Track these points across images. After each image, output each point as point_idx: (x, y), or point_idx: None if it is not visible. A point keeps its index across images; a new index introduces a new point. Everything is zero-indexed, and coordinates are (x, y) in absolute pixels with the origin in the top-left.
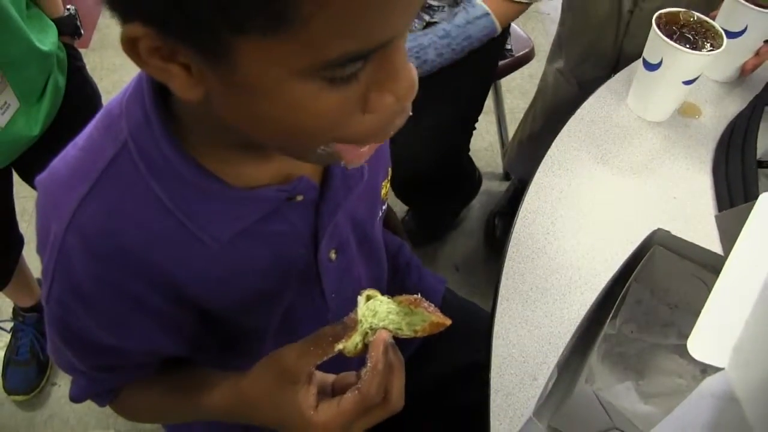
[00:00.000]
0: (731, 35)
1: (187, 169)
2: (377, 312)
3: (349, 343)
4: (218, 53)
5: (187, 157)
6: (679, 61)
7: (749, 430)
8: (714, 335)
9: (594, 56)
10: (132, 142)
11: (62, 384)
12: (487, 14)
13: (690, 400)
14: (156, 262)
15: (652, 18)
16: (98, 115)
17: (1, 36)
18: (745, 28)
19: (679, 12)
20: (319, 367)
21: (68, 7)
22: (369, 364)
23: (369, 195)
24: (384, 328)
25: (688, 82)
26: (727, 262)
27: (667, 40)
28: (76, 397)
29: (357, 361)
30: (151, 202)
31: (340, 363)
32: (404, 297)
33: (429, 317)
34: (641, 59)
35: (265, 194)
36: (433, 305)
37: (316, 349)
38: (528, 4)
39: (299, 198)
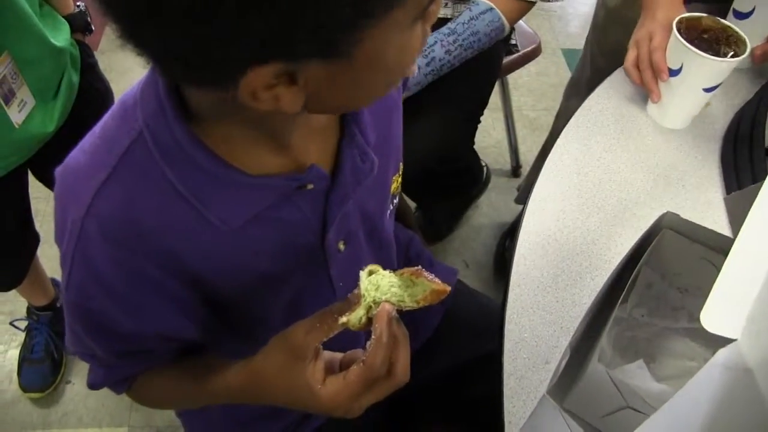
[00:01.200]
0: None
1: (200, 156)
2: (380, 286)
3: (353, 317)
4: (341, 52)
5: (200, 144)
6: (700, 68)
7: (762, 400)
8: (726, 307)
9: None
10: (147, 130)
11: (76, 382)
12: (491, 9)
13: (702, 372)
14: (171, 246)
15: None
16: (114, 106)
17: (19, 34)
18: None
19: (701, 17)
20: (330, 347)
21: (78, 3)
22: (373, 337)
23: (379, 188)
24: (387, 301)
25: (709, 89)
26: (737, 238)
27: (688, 45)
28: (93, 385)
29: (365, 340)
30: (166, 188)
31: (349, 342)
32: (405, 269)
33: (430, 286)
34: None
35: (277, 182)
36: (432, 275)
37: (322, 325)
38: (531, 4)
39: (309, 187)
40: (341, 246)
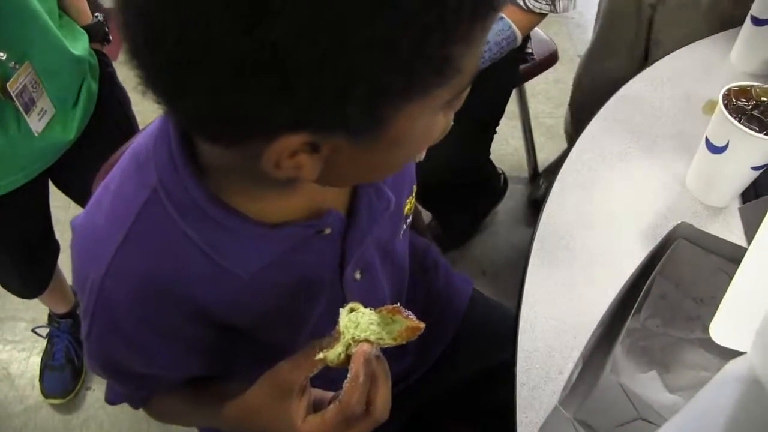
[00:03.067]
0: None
1: (214, 210)
2: (359, 323)
3: (331, 354)
4: (371, 128)
5: (214, 199)
6: (749, 146)
7: None
8: (736, 320)
9: (615, 51)
10: (161, 187)
11: (96, 388)
12: (501, 18)
13: (713, 384)
14: (191, 295)
15: (679, 16)
16: (126, 158)
17: (40, 45)
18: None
19: (751, 87)
20: (320, 384)
21: (96, 14)
22: (349, 376)
23: (393, 216)
24: (366, 339)
25: (757, 168)
26: (749, 249)
27: (734, 122)
28: (112, 402)
29: None
30: (183, 242)
31: (338, 377)
32: (384, 307)
33: (406, 323)
34: (704, 139)
35: (294, 230)
36: (409, 312)
37: (306, 361)
38: (544, 15)
39: (327, 231)
40: (357, 276)
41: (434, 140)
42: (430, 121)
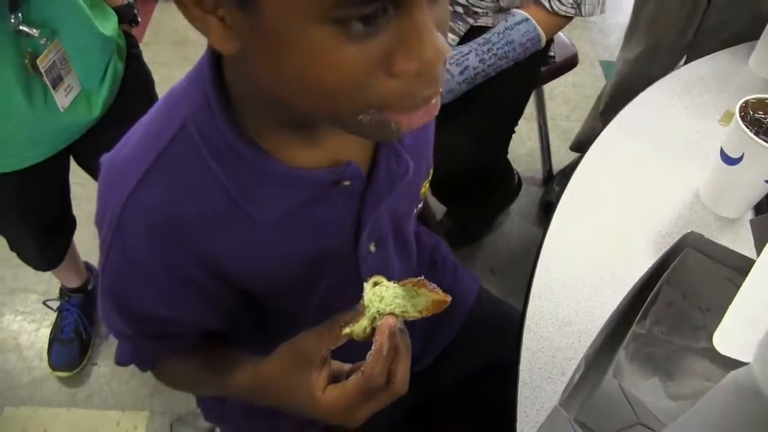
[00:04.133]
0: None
1: (243, 148)
2: (383, 297)
3: (357, 327)
4: (248, 3)
5: (244, 137)
6: (764, 159)
7: None
8: (740, 330)
9: (663, 49)
10: (192, 123)
11: (102, 364)
12: (527, 19)
13: (714, 393)
14: (208, 239)
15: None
16: (160, 101)
17: (72, 23)
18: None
19: None
20: (340, 357)
21: None
22: (373, 348)
23: (410, 191)
24: (391, 312)
25: None
26: (758, 261)
27: (750, 134)
28: (121, 362)
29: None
30: (207, 180)
31: (357, 353)
32: (408, 280)
33: (431, 296)
34: (719, 150)
35: (315, 175)
36: (434, 285)
37: (329, 333)
38: (569, 18)
39: (346, 183)
40: (372, 248)
41: (333, 73)
42: (317, 36)
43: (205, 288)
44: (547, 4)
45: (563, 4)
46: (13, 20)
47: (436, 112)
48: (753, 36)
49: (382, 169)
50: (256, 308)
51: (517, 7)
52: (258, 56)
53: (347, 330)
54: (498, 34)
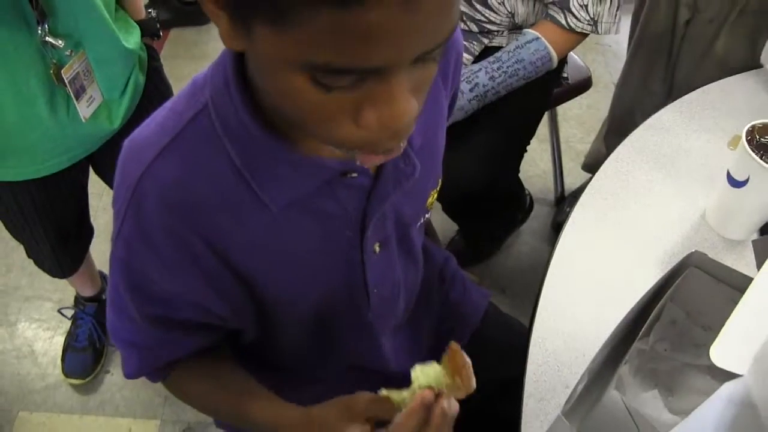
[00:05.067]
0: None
1: (258, 131)
2: (428, 374)
3: (398, 395)
4: (244, 20)
5: (259, 121)
6: None
7: None
8: (736, 344)
9: (653, 73)
10: (212, 105)
11: (115, 372)
12: (537, 38)
13: (708, 404)
14: (217, 218)
15: (706, 31)
16: (185, 86)
17: (96, 35)
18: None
19: None
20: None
21: (149, 10)
22: (404, 410)
23: (416, 196)
24: (429, 386)
25: None
26: (756, 278)
27: (756, 157)
28: (129, 374)
29: None
30: (222, 160)
31: None
32: (451, 362)
33: (461, 386)
34: (725, 172)
35: (323, 162)
36: (469, 367)
37: (383, 403)
38: (584, 35)
39: (354, 175)
40: (377, 248)
41: (303, 110)
42: (290, 77)
43: (210, 270)
44: (563, 21)
45: (580, 21)
46: (40, 32)
47: (398, 153)
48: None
49: (389, 167)
50: (259, 305)
51: (532, 25)
52: (252, 64)
53: (387, 393)
54: (508, 52)
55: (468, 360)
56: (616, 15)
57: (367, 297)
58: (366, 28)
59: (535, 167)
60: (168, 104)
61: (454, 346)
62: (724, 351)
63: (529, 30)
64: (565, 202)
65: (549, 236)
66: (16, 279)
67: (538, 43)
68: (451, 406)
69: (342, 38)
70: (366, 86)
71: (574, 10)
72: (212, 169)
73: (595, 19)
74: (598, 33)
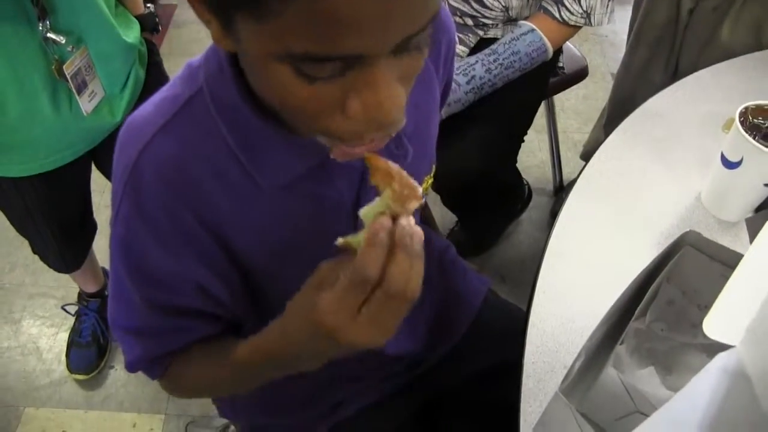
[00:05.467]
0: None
1: (251, 114)
2: (376, 206)
3: (354, 239)
4: (226, 20)
5: (252, 103)
6: (762, 162)
7: (758, 405)
8: (729, 316)
9: (653, 63)
10: (207, 87)
11: (119, 368)
12: (533, 30)
13: (701, 376)
14: (213, 197)
15: (709, 20)
16: (181, 69)
17: (97, 31)
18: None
19: None
20: (341, 361)
21: (148, 5)
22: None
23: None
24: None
25: None
26: (748, 250)
27: (749, 138)
28: (131, 364)
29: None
30: (217, 140)
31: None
32: (382, 178)
33: (402, 184)
34: (719, 154)
35: (316, 143)
36: (402, 175)
37: (349, 255)
38: (578, 28)
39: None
40: None
41: (289, 102)
42: (275, 69)
43: (206, 249)
44: (556, 14)
45: (573, 14)
46: (41, 28)
47: (380, 147)
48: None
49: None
50: (256, 289)
51: (526, 18)
52: (242, 60)
53: (344, 240)
54: (504, 44)
55: (394, 165)
56: (608, 6)
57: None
58: (338, 15)
59: (533, 158)
60: (164, 88)
61: (369, 156)
62: (716, 323)
63: (524, 22)
64: (563, 191)
65: (548, 226)
66: (20, 276)
67: (533, 35)
68: (410, 222)
69: (316, 26)
70: (350, 76)
71: (567, 3)
72: (208, 152)
73: (588, 11)
74: (591, 25)
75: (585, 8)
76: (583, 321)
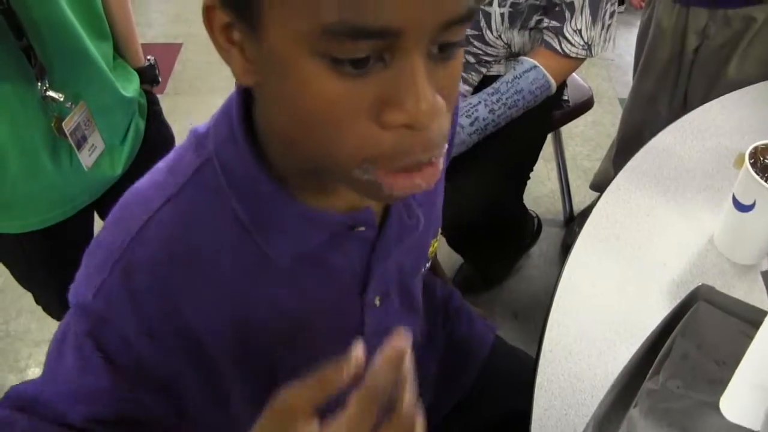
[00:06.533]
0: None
1: (265, 184)
2: None
3: None
4: (253, 17)
5: (266, 174)
6: None
7: None
8: (747, 397)
9: (659, 97)
10: (216, 157)
11: None
12: (535, 66)
13: None
14: (218, 271)
15: (717, 56)
16: (187, 137)
17: (95, 86)
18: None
19: None
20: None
21: (148, 57)
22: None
23: (418, 248)
24: None
25: None
26: (763, 323)
27: (761, 181)
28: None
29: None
30: (227, 213)
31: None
32: None
33: None
34: (731, 196)
35: (333, 218)
36: None
37: (315, 383)
38: (581, 60)
39: (361, 228)
40: (377, 302)
41: (319, 110)
42: (308, 65)
43: (194, 345)
44: (558, 47)
45: (574, 46)
46: (40, 87)
47: (434, 180)
48: None
49: (393, 221)
50: (251, 370)
51: (528, 53)
52: (267, 88)
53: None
54: (507, 83)
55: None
56: (608, 35)
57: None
58: None
59: (542, 187)
60: (170, 156)
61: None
62: (734, 404)
63: (526, 58)
64: (574, 222)
65: (559, 258)
66: (26, 323)
67: (536, 72)
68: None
69: None
70: (386, 77)
71: (567, 35)
72: (215, 223)
73: (589, 43)
74: (591, 56)
75: (586, 40)
76: (593, 379)
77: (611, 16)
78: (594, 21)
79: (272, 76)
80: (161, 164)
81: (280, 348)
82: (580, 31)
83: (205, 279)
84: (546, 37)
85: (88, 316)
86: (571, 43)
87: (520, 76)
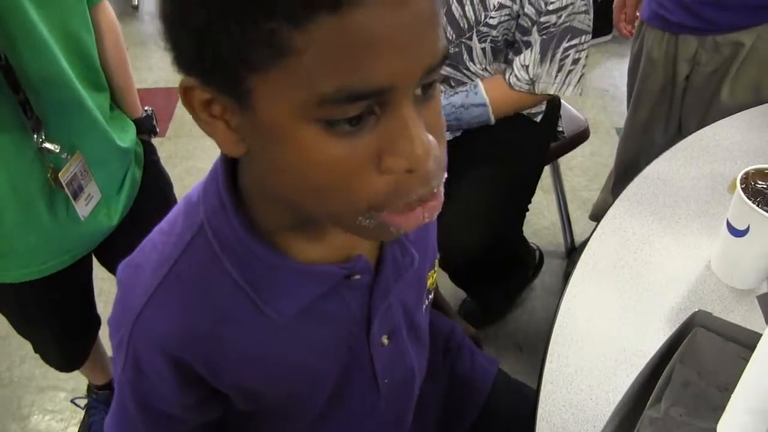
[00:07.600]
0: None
1: (257, 247)
2: None
3: None
4: (240, 94)
5: (257, 236)
6: None
7: None
8: (744, 424)
9: (654, 126)
10: (207, 224)
11: None
12: (485, 105)
13: None
14: (222, 338)
15: (709, 82)
16: (179, 203)
17: (90, 137)
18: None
19: None
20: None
21: (146, 108)
22: None
23: (417, 282)
24: None
25: None
26: (757, 348)
27: (753, 206)
28: None
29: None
30: (223, 279)
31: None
32: None
33: None
34: (725, 222)
35: (327, 270)
36: None
37: None
38: (527, 95)
39: (357, 277)
40: (385, 340)
41: (320, 172)
42: (304, 132)
43: (214, 395)
44: (506, 77)
45: (519, 80)
46: (36, 138)
47: (437, 210)
48: None
49: (388, 262)
50: (263, 410)
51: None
52: (259, 155)
53: None
54: (452, 106)
55: None
56: (566, 78)
57: (377, 387)
58: (365, 31)
59: (543, 219)
60: (165, 226)
61: None
62: (731, 429)
63: (481, 88)
64: (575, 253)
65: (562, 289)
66: (30, 369)
67: (483, 110)
68: None
69: (346, 50)
70: (379, 127)
71: (515, 68)
72: (214, 295)
73: (534, 79)
74: (535, 93)
75: (531, 76)
76: (595, 409)
77: (574, 62)
78: (542, 60)
79: (266, 144)
80: (158, 236)
81: (295, 397)
82: (527, 66)
83: (213, 353)
84: (504, 64)
85: (128, 386)
86: (516, 77)
87: (467, 107)
